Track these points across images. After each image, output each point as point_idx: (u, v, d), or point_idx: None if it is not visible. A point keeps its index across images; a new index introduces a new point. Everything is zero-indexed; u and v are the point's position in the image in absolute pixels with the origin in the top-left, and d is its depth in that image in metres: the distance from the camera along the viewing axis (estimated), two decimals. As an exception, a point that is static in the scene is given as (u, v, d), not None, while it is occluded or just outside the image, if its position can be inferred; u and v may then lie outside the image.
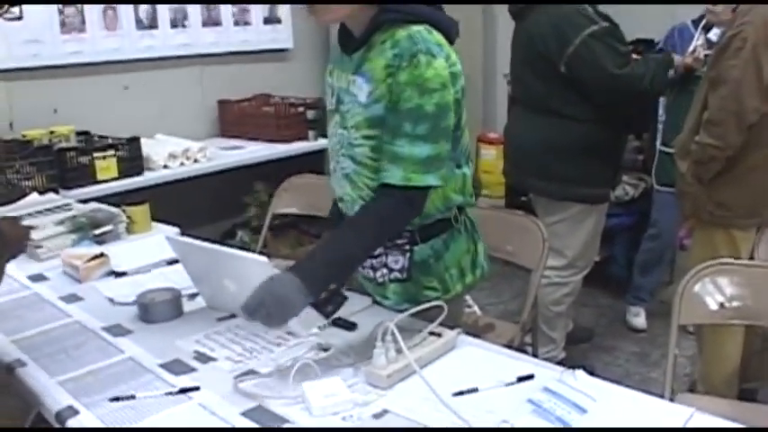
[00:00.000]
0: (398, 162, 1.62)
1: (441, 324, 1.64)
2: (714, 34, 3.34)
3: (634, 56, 3.15)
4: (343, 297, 1.61)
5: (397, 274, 1.79)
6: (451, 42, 1.72)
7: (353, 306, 1.80)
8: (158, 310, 1.82)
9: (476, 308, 3.75)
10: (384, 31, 1.67)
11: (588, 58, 2.94)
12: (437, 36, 1.66)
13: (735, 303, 2.03)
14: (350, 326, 1.74)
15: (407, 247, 1.78)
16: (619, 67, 2.95)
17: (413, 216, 1.69)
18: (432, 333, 1.62)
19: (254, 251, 3.08)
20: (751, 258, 2.46)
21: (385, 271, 1.80)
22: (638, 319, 3.94)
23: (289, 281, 1.48)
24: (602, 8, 3.10)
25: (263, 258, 1.57)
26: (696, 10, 3.59)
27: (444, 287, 1.82)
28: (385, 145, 1.65)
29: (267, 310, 1.47)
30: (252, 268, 1.55)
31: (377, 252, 1.79)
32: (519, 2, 3.17)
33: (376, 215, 1.66)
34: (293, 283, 1.48)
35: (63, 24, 3.64)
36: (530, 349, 2.72)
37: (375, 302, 1.88)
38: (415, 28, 1.64)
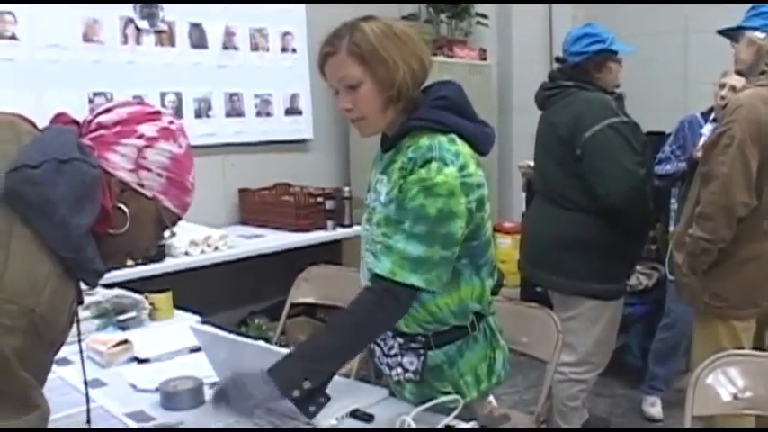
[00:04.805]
0: (389, 254, 1.66)
1: (457, 417, 1.67)
2: None
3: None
4: (325, 398, 1.64)
5: (411, 376, 1.82)
6: (482, 153, 1.78)
7: (371, 398, 1.84)
8: (181, 398, 1.85)
9: (491, 397, 3.75)
10: (412, 136, 1.73)
11: (604, 146, 2.95)
12: (459, 146, 1.70)
13: (748, 394, 2.04)
14: (367, 417, 1.76)
15: (422, 351, 1.81)
16: (633, 164, 2.95)
17: (394, 312, 1.69)
18: (447, 427, 1.65)
19: (272, 338, 3.14)
20: (760, 348, 2.47)
21: (400, 370, 1.84)
22: (655, 408, 3.92)
23: (258, 375, 1.58)
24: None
25: (285, 351, 1.62)
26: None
27: (459, 392, 1.82)
28: (385, 238, 1.70)
29: (230, 398, 1.62)
30: (274, 360, 1.60)
31: (393, 351, 1.84)
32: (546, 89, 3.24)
33: (356, 306, 1.68)
34: (261, 377, 1.57)
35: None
36: (545, 441, 2.72)
37: (391, 394, 1.90)
38: (440, 137, 1.69)
